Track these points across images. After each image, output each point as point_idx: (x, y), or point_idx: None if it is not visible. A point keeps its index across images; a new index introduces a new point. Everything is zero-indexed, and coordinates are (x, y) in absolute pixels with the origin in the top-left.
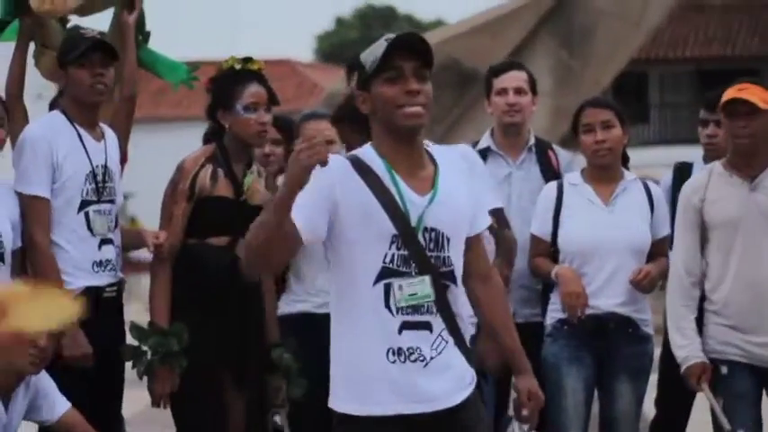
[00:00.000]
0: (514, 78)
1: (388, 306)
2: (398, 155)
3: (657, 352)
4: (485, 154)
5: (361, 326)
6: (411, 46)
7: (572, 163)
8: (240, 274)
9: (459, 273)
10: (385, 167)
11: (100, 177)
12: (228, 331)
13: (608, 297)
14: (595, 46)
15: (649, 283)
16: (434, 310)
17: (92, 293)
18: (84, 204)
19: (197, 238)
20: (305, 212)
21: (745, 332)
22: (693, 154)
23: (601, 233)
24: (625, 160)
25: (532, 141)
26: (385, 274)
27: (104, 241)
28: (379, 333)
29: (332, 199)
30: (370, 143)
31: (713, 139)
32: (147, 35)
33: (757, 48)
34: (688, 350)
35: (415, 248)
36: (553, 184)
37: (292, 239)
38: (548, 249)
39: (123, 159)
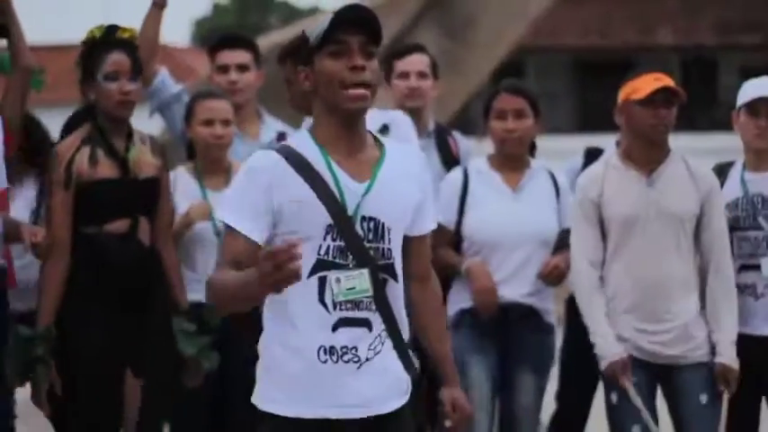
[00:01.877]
0: (417, 62)
1: (323, 301)
2: (338, 137)
3: (558, 343)
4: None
5: (292, 321)
6: (358, 20)
7: (470, 151)
8: (139, 262)
9: (399, 268)
10: (321, 154)
11: None
12: (127, 323)
13: (513, 287)
14: (478, 34)
15: (558, 276)
16: (373, 307)
17: None
18: None
19: (94, 226)
20: (257, 226)
21: (638, 329)
22: (566, 144)
23: (508, 222)
24: (532, 148)
25: (432, 127)
26: (320, 266)
27: None
28: (312, 329)
29: (269, 201)
30: (307, 127)
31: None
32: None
33: (633, 38)
34: (605, 347)
35: (353, 238)
36: (458, 171)
37: (252, 255)
38: (451, 238)
39: (15, 141)
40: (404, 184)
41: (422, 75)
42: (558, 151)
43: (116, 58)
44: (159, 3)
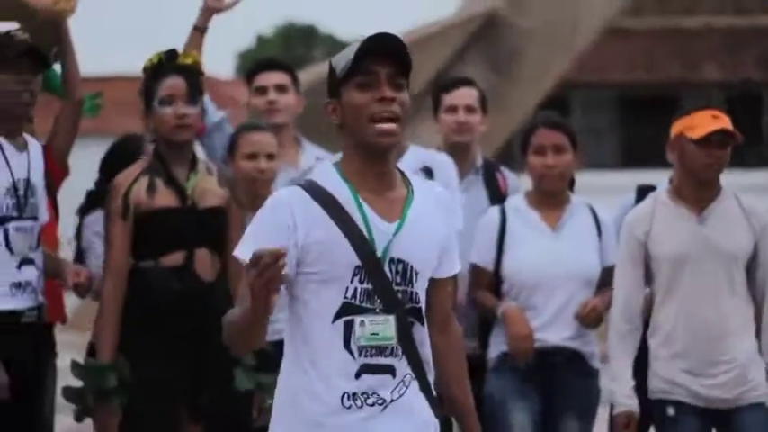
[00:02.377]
0: (466, 95)
1: (348, 346)
2: (367, 173)
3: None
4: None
5: (317, 366)
6: (387, 49)
7: (519, 188)
8: (195, 295)
9: (425, 311)
10: (350, 191)
11: (21, 192)
12: (181, 362)
13: (556, 331)
14: (523, 68)
15: (596, 318)
16: (399, 352)
17: (10, 318)
18: (4, 221)
19: (151, 259)
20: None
21: (692, 373)
22: (617, 179)
23: (548, 263)
24: (571, 183)
25: (480, 162)
26: (346, 310)
27: (24, 261)
28: (336, 375)
29: (293, 239)
30: (333, 161)
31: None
32: (57, 55)
33: (678, 74)
34: (618, 395)
35: (381, 281)
36: (495, 209)
37: (266, 321)
38: (490, 280)
39: (64, 171)
40: (432, 225)
41: (470, 109)
42: (602, 187)
43: (171, 83)
44: (200, 27)
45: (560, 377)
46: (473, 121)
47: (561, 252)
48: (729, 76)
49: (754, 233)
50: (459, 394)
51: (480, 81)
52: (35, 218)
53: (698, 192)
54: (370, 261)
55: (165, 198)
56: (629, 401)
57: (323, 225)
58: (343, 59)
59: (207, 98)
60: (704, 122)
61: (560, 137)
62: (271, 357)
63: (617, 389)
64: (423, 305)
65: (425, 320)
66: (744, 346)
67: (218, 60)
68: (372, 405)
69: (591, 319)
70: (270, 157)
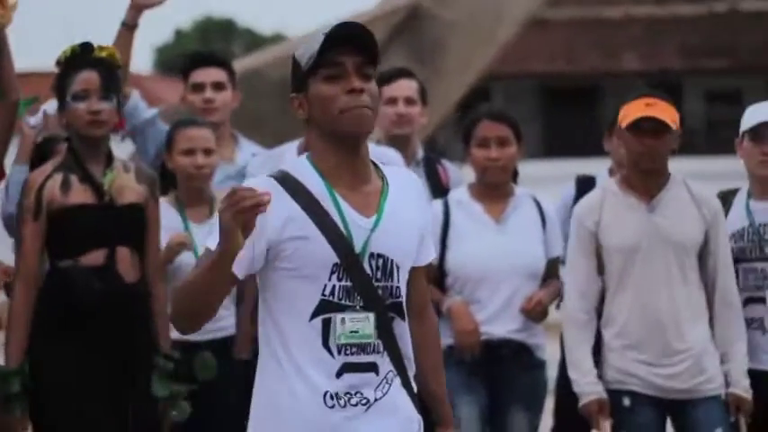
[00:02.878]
0: (405, 87)
1: (326, 345)
2: (340, 167)
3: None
4: None
5: (296, 364)
6: (353, 38)
7: (461, 180)
8: (118, 296)
9: (405, 306)
10: (324, 186)
11: None
12: (102, 364)
13: (502, 324)
14: (447, 60)
15: (541, 311)
16: (381, 348)
17: None
18: None
19: (69, 258)
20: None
21: (647, 363)
22: (539, 169)
23: (492, 256)
24: (514, 175)
25: (421, 155)
26: (324, 307)
27: None
28: (316, 375)
29: (263, 230)
30: (305, 156)
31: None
32: None
33: (599, 64)
34: (582, 385)
35: (360, 278)
36: (438, 203)
37: (227, 286)
38: (434, 274)
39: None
40: (410, 215)
41: (410, 101)
42: (524, 177)
43: (85, 77)
44: (130, 24)
45: (507, 370)
46: (413, 112)
47: (505, 245)
48: (649, 65)
49: (705, 221)
50: (433, 384)
51: None
52: None
53: (644, 180)
54: (348, 258)
55: (80, 195)
56: (596, 388)
57: (298, 221)
58: (307, 52)
59: (136, 94)
60: (635, 110)
61: (504, 129)
62: (183, 364)
63: (580, 379)
64: (403, 299)
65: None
66: (698, 335)
67: (136, 55)
68: (356, 405)
69: (536, 312)
70: (207, 152)
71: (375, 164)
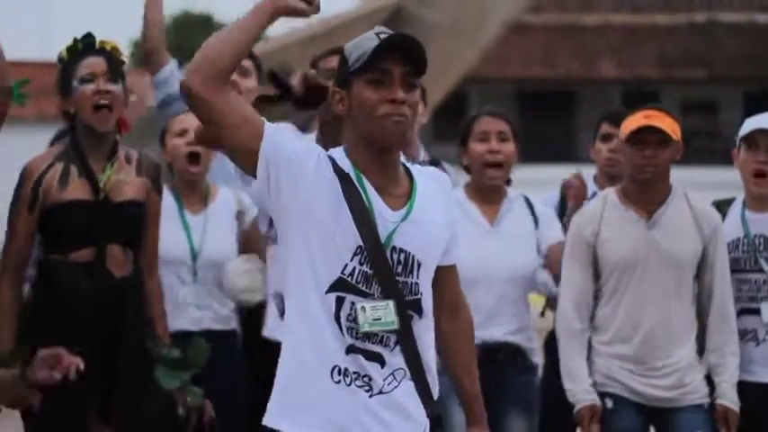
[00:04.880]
0: None
1: (338, 320)
2: (373, 164)
3: None
4: None
5: (308, 337)
6: (406, 48)
7: (457, 183)
8: (106, 293)
9: (426, 304)
10: (355, 174)
11: None
12: (91, 362)
13: (498, 326)
14: (429, 61)
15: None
16: (392, 343)
17: None
18: None
19: (60, 253)
20: (275, 135)
21: (632, 372)
22: (515, 173)
23: (486, 259)
24: (507, 180)
25: (423, 157)
26: (340, 285)
27: None
28: (326, 347)
29: (305, 172)
30: (342, 146)
31: (616, 154)
32: None
33: (576, 70)
34: (577, 393)
35: (382, 267)
36: None
37: (255, 38)
38: None
39: None
40: (436, 215)
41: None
42: None
43: (91, 61)
44: None
45: (503, 373)
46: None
47: (498, 250)
48: (626, 73)
49: (704, 237)
50: (466, 382)
51: None
52: None
53: (644, 194)
54: (373, 244)
55: (76, 190)
56: (590, 396)
57: (334, 191)
58: (356, 51)
59: (174, 63)
60: (634, 122)
61: (504, 125)
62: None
63: (575, 387)
64: (423, 297)
65: (432, 310)
66: (684, 352)
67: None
68: (360, 387)
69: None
70: (185, 134)
71: (405, 165)
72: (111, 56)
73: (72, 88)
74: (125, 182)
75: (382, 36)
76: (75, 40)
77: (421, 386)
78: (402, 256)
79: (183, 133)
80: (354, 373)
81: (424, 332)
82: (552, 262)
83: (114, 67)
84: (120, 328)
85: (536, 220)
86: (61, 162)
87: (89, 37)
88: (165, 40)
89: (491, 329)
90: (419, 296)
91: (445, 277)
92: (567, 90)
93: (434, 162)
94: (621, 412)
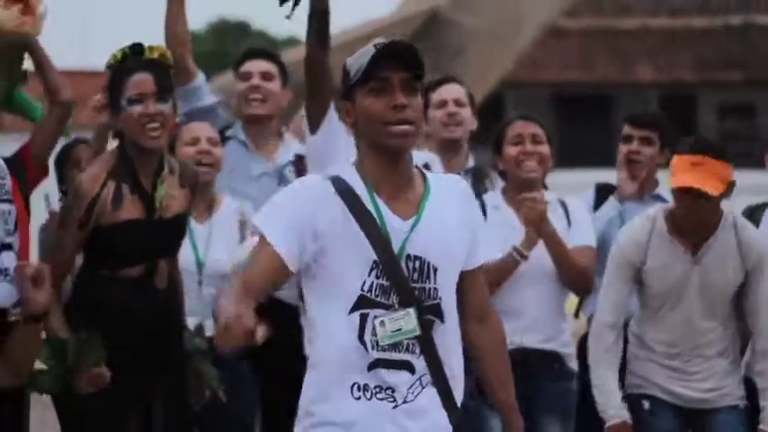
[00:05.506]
0: (454, 90)
1: (362, 339)
2: (383, 174)
3: None
4: None
5: (329, 357)
6: (401, 55)
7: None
8: (153, 307)
9: (448, 308)
10: (366, 190)
11: None
12: (135, 371)
13: (534, 331)
14: (466, 66)
15: (539, 214)
16: (417, 350)
17: None
18: None
19: (109, 269)
20: (287, 242)
21: (670, 375)
22: (552, 177)
23: (523, 264)
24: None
25: (471, 164)
26: (362, 302)
27: (2, 247)
28: (347, 366)
29: (312, 227)
30: (352, 162)
31: (636, 155)
32: (24, 74)
33: (613, 73)
34: (609, 408)
35: (397, 277)
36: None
37: (279, 274)
38: None
39: (41, 172)
40: (450, 220)
41: (459, 102)
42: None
43: (139, 79)
44: None
45: (537, 380)
46: (464, 113)
47: (534, 252)
48: (664, 77)
49: (746, 268)
50: (500, 392)
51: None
52: (10, 200)
53: (691, 231)
54: (386, 257)
55: (130, 209)
56: (621, 412)
57: (343, 218)
58: (356, 63)
59: (202, 76)
60: (679, 170)
61: (537, 128)
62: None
63: (607, 401)
64: (443, 302)
65: (456, 317)
66: (720, 368)
67: None
68: (382, 400)
69: (532, 208)
70: (211, 141)
71: (421, 170)
72: (160, 69)
73: (120, 107)
74: (172, 196)
75: (378, 46)
76: (123, 52)
77: (443, 392)
78: (417, 263)
79: (193, 142)
80: (376, 387)
81: (448, 336)
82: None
83: (162, 83)
84: (164, 338)
85: (569, 223)
86: (113, 181)
87: (137, 46)
88: (192, 52)
89: (527, 335)
90: (438, 300)
91: (469, 282)
92: (604, 94)
93: (479, 170)
94: (659, 413)
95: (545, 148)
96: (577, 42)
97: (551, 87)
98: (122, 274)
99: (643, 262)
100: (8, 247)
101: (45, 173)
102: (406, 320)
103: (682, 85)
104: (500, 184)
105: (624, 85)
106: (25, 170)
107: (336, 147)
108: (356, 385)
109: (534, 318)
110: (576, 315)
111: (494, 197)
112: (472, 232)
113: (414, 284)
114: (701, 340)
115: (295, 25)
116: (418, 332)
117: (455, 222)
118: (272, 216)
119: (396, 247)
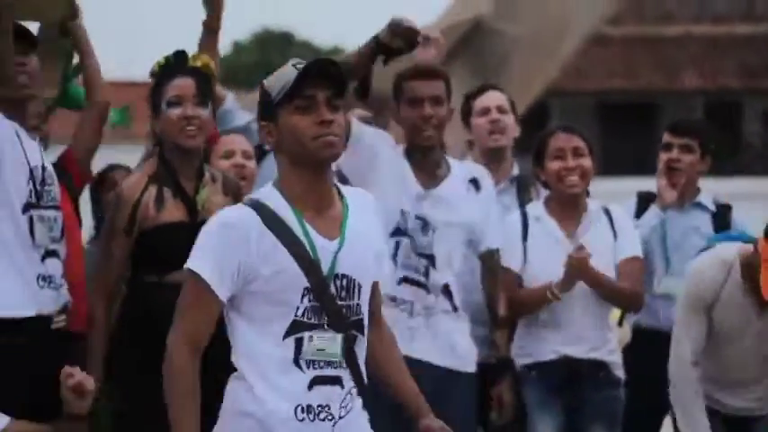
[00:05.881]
0: (496, 97)
1: (297, 362)
2: (307, 192)
3: None
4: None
5: (269, 383)
6: (324, 73)
7: None
8: None
9: (366, 322)
10: (293, 214)
11: (39, 179)
12: None
13: (581, 341)
14: (510, 75)
15: (584, 268)
16: (344, 365)
17: (37, 323)
18: (28, 207)
19: (155, 275)
20: (219, 273)
21: (715, 386)
22: (596, 186)
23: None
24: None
25: (515, 173)
26: (296, 327)
27: (48, 253)
28: (288, 390)
29: (240, 259)
30: (272, 183)
31: (676, 163)
32: (77, 68)
33: (658, 81)
34: None
35: (327, 299)
36: (517, 215)
37: (214, 312)
38: (519, 283)
39: (85, 176)
40: (369, 235)
41: (502, 109)
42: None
43: (179, 83)
44: (212, 27)
45: (585, 388)
46: (507, 120)
47: None
48: (709, 84)
49: None
50: (408, 383)
51: (467, 88)
52: (57, 207)
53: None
54: (317, 281)
55: (172, 212)
56: None
57: (273, 249)
58: (278, 83)
59: (231, 97)
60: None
61: (578, 140)
62: None
63: None
64: (364, 317)
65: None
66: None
67: None
68: (324, 420)
69: (577, 263)
70: (246, 155)
71: (337, 187)
72: (201, 75)
73: (160, 110)
74: (214, 202)
75: (299, 66)
76: (167, 59)
77: (364, 400)
78: (344, 281)
79: (228, 155)
80: (318, 406)
81: (364, 348)
82: (623, 277)
83: (203, 88)
84: (211, 341)
85: (615, 233)
86: (154, 185)
87: (181, 53)
88: (219, 73)
89: (575, 345)
90: (361, 316)
91: (373, 291)
92: (649, 102)
93: (523, 178)
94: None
95: (587, 161)
96: (620, 50)
97: (596, 96)
98: (169, 279)
99: (716, 301)
100: (54, 253)
101: (90, 176)
102: (332, 344)
103: (727, 92)
104: (543, 193)
105: (669, 93)
106: (70, 175)
107: (372, 160)
108: (299, 407)
109: (580, 329)
110: (620, 324)
111: (536, 208)
112: (381, 246)
113: (341, 303)
114: (756, 377)
115: (339, 34)
116: (338, 357)
117: (370, 239)
118: (207, 260)
119: (325, 269)
